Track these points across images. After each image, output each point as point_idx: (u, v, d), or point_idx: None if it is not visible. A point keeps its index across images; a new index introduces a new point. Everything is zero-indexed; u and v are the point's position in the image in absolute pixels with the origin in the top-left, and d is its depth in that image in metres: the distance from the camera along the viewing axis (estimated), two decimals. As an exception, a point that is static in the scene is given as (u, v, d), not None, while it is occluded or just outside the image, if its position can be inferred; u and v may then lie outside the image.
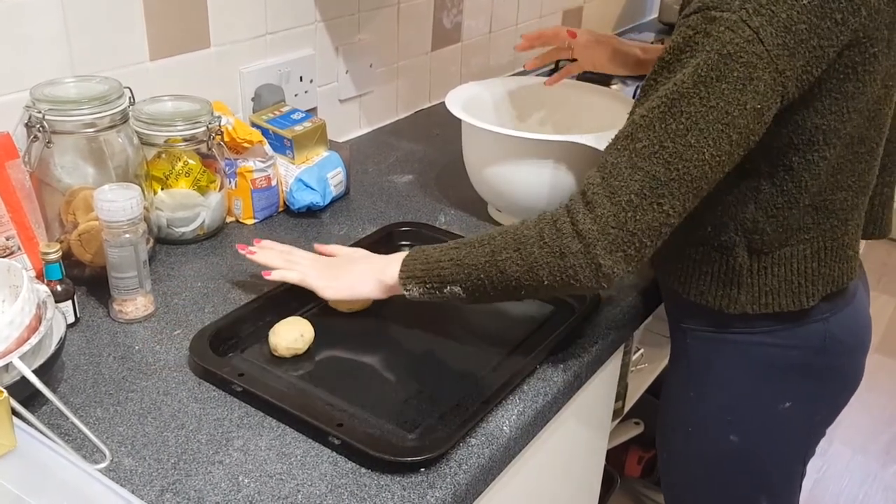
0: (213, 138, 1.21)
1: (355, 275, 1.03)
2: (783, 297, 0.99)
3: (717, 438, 1.11)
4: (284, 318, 1.05)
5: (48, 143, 1.06)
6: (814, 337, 1.03)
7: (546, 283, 0.89)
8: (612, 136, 0.89)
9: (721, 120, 0.83)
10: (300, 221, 1.34)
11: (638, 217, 0.85)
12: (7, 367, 0.83)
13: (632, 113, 0.89)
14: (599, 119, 1.36)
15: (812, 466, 1.23)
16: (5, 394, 0.71)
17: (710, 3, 0.84)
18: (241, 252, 1.10)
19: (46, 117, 1.05)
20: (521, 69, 2.17)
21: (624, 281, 0.89)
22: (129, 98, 1.14)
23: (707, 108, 0.83)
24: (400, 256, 0.99)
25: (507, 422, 0.92)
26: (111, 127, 1.09)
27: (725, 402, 1.09)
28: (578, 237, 0.87)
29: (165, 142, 1.19)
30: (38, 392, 0.84)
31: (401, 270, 0.97)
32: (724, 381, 1.09)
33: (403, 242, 1.28)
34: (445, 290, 0.94)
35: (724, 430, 1.10)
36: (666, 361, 1.60)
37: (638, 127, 0.86)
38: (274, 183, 1.32)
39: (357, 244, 1.23)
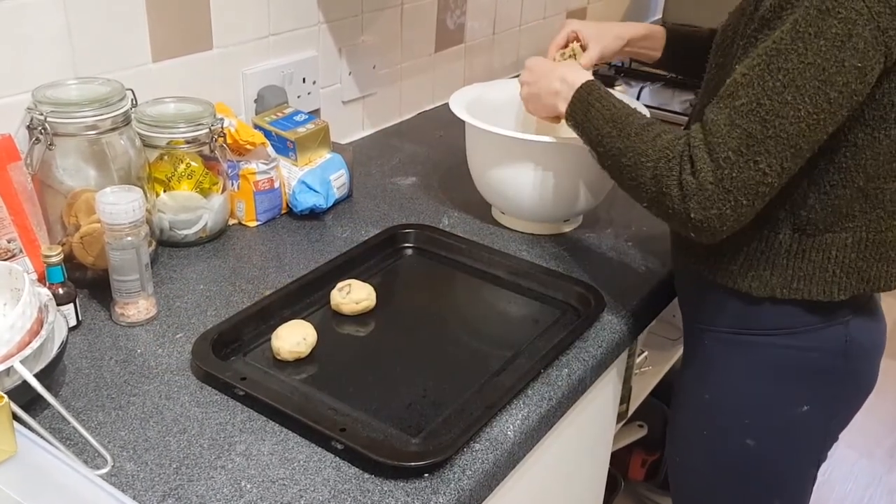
0: (216, 140, 1.21)
1: (543, 100, 1.14)
2: (815, 284, 0.98)
3: (734, 442, 1.10)
4: (287, 321, 1.04)
5: (50, 145, 1.06)
6: (835, 340, 1.02)
7: (645, 204, 0.97)
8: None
9: (818, 77, 0.84)
10: (303, 224, 1.33)
11: (734, 175, 0.88)
12: (8, 371, 0.82)
13: (734, 71, 0.90)
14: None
15: (817, 470, 1.22)
16: (6, 399, 0.70)
17: None
18: None
19: (48, 119, 1.04)
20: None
21: (723, 235, 0.94)
22: (132, 100, 1.13)
23: (804, 65, 0.84)
24: (574, 88, 1.08)
25: (511, 426, 0.91)
26: (113, 129, 1.09)
27: (743, 405, 1.08)
28: (679, 186, 0.91)
29: (168, 144, 1.19)
30: (39, 396, 0.83)
31: (568, 108, 1.08)
32: (742, 383, 1.08)
33: (406, 244, 1.28)
34: (584, 141, 1.06)
35: (740, 434, 1.09)
36: (670, 364, 1.60)
37: (738, 84, 0.88)
38: (276, 185, 1.31)
39: (360, 247, 1.23)
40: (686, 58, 1.31)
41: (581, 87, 1.07)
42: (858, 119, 0.90)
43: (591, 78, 1.09)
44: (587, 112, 1.04)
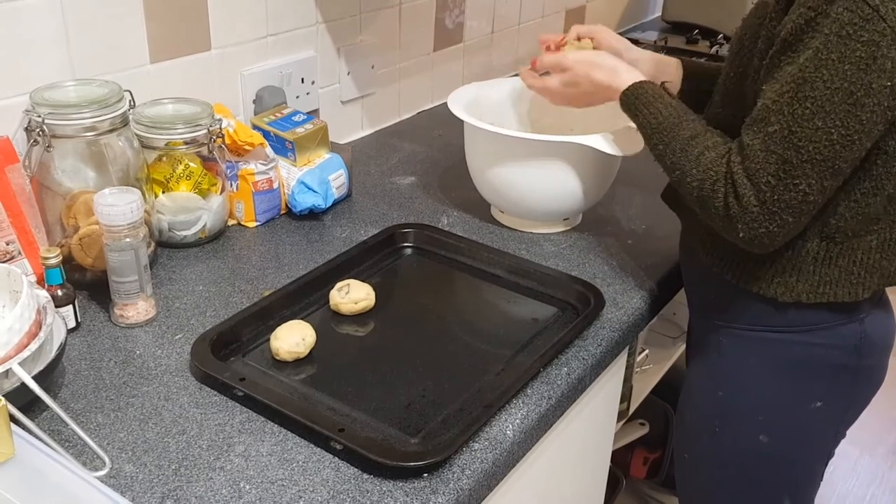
0: (214, 141, 1.21)
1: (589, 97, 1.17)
2: (841, 287, 0.98)
3: (747, 439, 1.10)
4: (286, 321, 1.04)
5: (48, 147, 1.06)
6: (851, 337, 1.03)
7: (700, 216, 1.00)
8: (752, 120, 0.93)
9: (846, 101, 0.84)
10: (302, 224, 1.33)
11: (776, 197, 0.90)
12: (7, 373, 0.82)
13: (762, 94, 0.91)
14: (603, 120, 1.35)
15: (819, 467, 1.22)
16: (4, 401, 0.70)
17: None
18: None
19: (46, 121, 1.04)
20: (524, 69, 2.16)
21: (775, 248, 0.96)
22: (130, 101, 1.13)
23: (831, 91, 0.85)
24: (627, 83, 1.09)
25: (510, 426, 0.91)
26: (111, 130, 1.09)
27: (758, 401, 1.08)
28: (725, 208, 0.94)
29: (166, 145, 1.19)
30: (37, 398, 0.83)
31: (621, 98, 1.09)
32: (757, 380, 1.07)
33: (406, 244, 1.27)
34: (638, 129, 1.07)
35: (754, 430, 1.09)
36: (671, 362, 1.60)
37: (769, 111, 0.89)
38: (275, 185, 1.31)
39: (359, 247, 1.23)
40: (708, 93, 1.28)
41: (626, 91, 1.08)
42: (890, 129, 0.90)
43: (640, 79, 1.09)
44: (636, 117, 1.07)
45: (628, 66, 1.12)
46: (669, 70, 1.23)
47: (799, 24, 0.86)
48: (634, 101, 1.07)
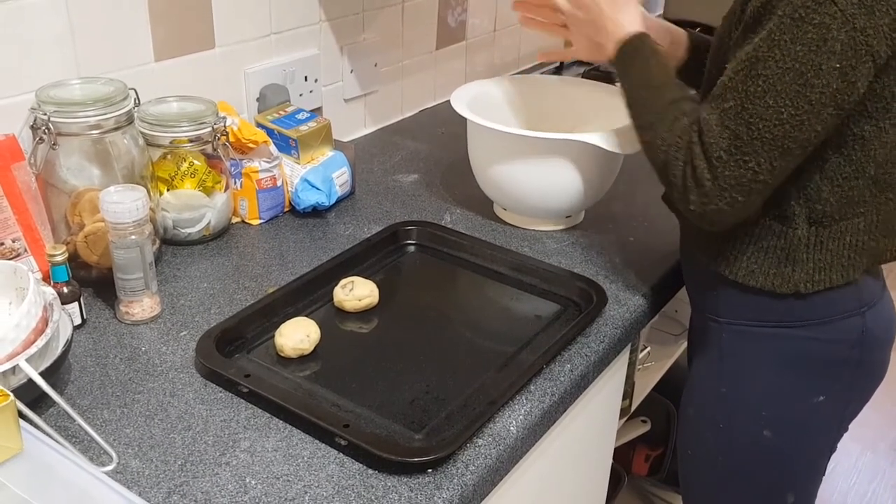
0: (219, 139, 1.21)
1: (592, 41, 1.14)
2: (834, 271, 1.00)
3: (750, 433, 1.10)
4: (290, 318, 1.05)
5: (53, 144, 1.06)
6: (852, 331, 1.03)
7: (661, 180, 1.00)
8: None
9: (797, 81, 0.86)
10: (306, 221, 1.34)
11: (728, 173, 0.91)
12: (14, 369, 0.83)
13: (725, 72, 0.93)
14: (606, 117, 1.36)
15: (821, 464, 1.22)
16: (11, 397, 0.71)
17: None
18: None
19: (52, 119, 1.05)
20: (526, 67, 2.16)
21: (724, 227, 0.98)
22: (135, 99, 1.14)
23: (782, 71, 0.87)
24: (629, 27, 1.07)
25: (514, 422, 0.92)
26: (116, 128, 1.09)
27: (761, 396, 1.09)
28: (682, 177, 0.95)
29: (171, 143, 1.19)
30: (45, 394, 0.84)
31: (616, 56, 1.08)
32: (760, 375, 1.08)
33: (409, 241, 1.28)
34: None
35: (757, 425, 1.09)
36: (673, 360, 1.61)
37: (725, 88, 0.92)
38: (279, 183, 1.32)
39: (362, 244, 1.23)
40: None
41: (628, 39, 1.06)
42: (863, 113, 0.92)
43: (643, 31, 1.08)
44: (626, 70, 1.06)
45: (638, 17, 1.10)
46: (679, 40, 1.23)
47: (757, 6, 0.89)
48: (633, 51, 1.06)
